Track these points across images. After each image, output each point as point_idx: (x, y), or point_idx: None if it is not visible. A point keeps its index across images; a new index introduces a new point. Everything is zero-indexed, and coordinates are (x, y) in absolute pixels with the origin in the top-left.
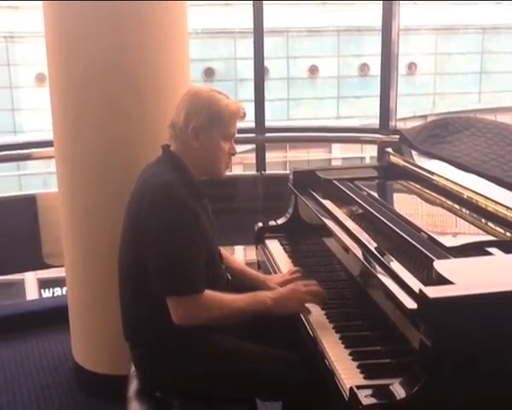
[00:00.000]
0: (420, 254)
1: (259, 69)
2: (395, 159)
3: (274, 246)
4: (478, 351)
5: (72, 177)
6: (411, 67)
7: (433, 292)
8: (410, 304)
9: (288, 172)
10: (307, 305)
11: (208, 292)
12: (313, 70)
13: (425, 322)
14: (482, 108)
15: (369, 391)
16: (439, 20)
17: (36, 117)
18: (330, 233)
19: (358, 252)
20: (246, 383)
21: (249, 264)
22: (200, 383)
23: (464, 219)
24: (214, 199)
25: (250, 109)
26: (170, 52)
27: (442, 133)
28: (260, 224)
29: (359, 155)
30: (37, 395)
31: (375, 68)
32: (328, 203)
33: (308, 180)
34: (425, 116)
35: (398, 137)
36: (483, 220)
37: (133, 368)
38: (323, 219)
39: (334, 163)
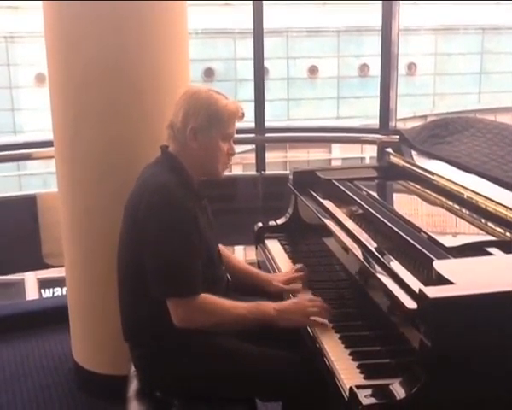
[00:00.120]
0: (420, 254)
1: (259, 69)
2: (395, 159)
3: (274, 246)
4: (478, 351)
5: (72, 177)
6: (411, 67)
7: (432, 292)
8: (410, 304)
9: (287, 172)
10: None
11: (209, 296)
12: (313, 70)
13: (425, 322)
14: (482, 108)
15: (369, 391)
16: (438, 20)
17: (36, 117)
18: (330, 233)
19: (358, 252)
20: (246, 383)
21: (249, 264)
22: (200, 384)
23: (464, 219)
24: (214, 199)
25: (250, 110)
26: (170, 52)
27: (442, 133)
28: (260, 224)
29: (359, 156)
30: (37, 394)
31: (375, 69)
32: (327, 203)
33: (308, 180)
34: (425, 116)
35: (397, 137)
36: (483, 220)
37: (133, 368)
38: (323, 219)
39: (334, 163)
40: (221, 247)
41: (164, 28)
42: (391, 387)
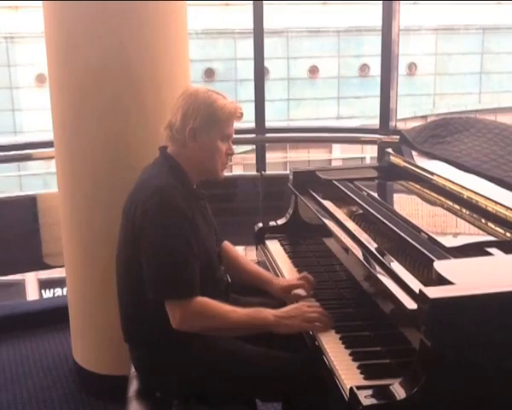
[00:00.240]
0: (420, 254)
1: (259, 69)
2: (395, 159)
3: (274, 246)
4: (478, 351)
5: (73, 177)
6: (411, 67)
7: (433, 292)
8: (410, 304)
9: (288, 172)
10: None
11: (208, 301)
12: (313, 70)
13: (425, 322)
14: (482, 108)
15: (370, 391)
16: (439, 20)
17: (36, 117)
18: (330, 233)
19: (358, 252)
20: (246, 383)
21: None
22: (200, 384)
23: (464, 219)
24: (214, 199)
25: (250, 110)
26: (170, 52)
27: (442, 134)
28: (260, 224)
29: (359, 156)
30: (38, 395)
31: (376, 69)
32: (328, 204)
33: (308, 180)
34: (425, 116)
35: (398, 137)
36: (483, 221)
37: (133, 368)
38: (323, 219)
39: (335, 163)
40: (230, 245)
41: (164, 28)
42: (391, 387)
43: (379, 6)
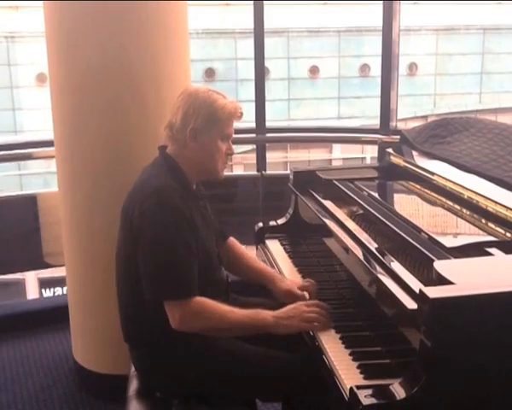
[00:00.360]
0: (420, 254)
1: (260, 69)
2: (395, 159)
3: (274, 246)
4: (478, 351)
5: (73, 176)
6: (412, 67)
7: (433, 292)
8: (411, 304)
9: (288, 172)
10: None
11: (208, 301)
12: (314, 70)
13: (425, 322)
14: (483, 108)
15: (369, 391)
16: (439, 20)
17: (36, 117)
18: (331, 233)
19: (359, 252)
20: (246, 383)
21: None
22: (200, 384)
23: (464, 219)
24: (215, 199)
25: (251, 110)
26: (170, 52)
27: (442, 134)
28: (261, 224)
29: (360, 156)
30: (38, 394)
31: (376, 69)
32: (328, 203)
33: (308, 180)
34: (425, 117)
35: (398, 137)
36: (483, 221)
37: (133, 368)
38: (324, 219)
39: (335, 163)
40: (235, 242)
41: (164, 28)
42: (391, 387)
43: (379, 6)
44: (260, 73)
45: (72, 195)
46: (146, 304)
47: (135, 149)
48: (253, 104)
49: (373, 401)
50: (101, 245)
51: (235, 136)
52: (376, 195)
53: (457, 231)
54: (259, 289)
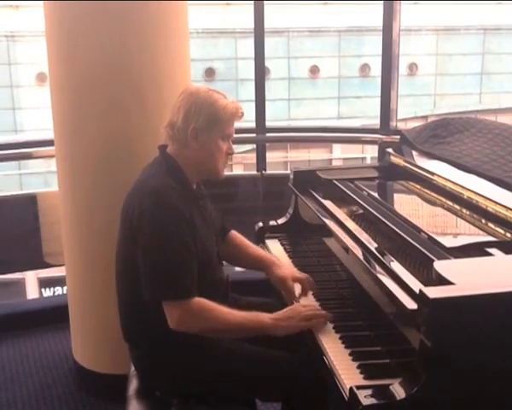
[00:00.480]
0: (420, 254)
1: (260, 69)
2: (396, 159)
3: (274, 246)
4: (478, 351)
5: (73, 176)
6: (412, 67)
7: (433, 292)
8: (411, 304)
9: (288, 172)
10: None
11: (206, 302)
12: (314, 70)
13: (425, 322)
14: (483, 108)
15: (369, 391)
16: (439, 20)
17: (36, 116)
18: (331, 233)
19: (359, 252)
20: (246, 383)
21: None
22: (200, 384)
23: (464, 219)
24: (215, 198)
25: (251, 109)
26: (170, 52)
27: (442, 134)
28: (261, 224)
29: (360, 156)
30: (37, 393)
31: (376, 69)
32: (328, 203)
33: (309, 180)
34: (426, 117)
35: (398, 137)
36: (483, 221)
37: (133, 368)
38: (324, 219)
39: (335, 163)
40: (235, 234)
41: (165, 28)
42: (391, 387)
43: (380, 6)
44: (260, 73)
45: (72, 194)
46: (146, 304)
47: (135, 148)
48: (253, 104)
49: (373, 401)
50: (101, 245)
51: (235, 135)
52: (376, 195)
53: (457, 231)
54: (259, 289)
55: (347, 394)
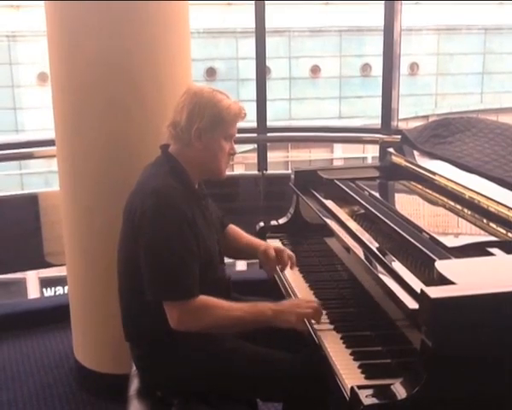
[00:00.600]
0: (421, 254)
1: (261, 69)
2: (397, 159)
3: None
4: (479, 351)
5: (74, 176)
6: (413, 67)
7: (434, 292)
8: (412, 304)
9: (289, 171)
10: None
11: (206, 298)
12: (315, 70)
13: (426, 322)
14: (484, 108)
15: (370, 391)
16: (441, 20)
17: (38, 116)
18: (332, 233)
19: (360, 252)
20: (246, 383)
21: (251, 264)
22: (201, 383)
23: (466, 219)
24: (216, 198)
25: (252, 109)
26: (171, 52)
27: (444, 133)
28: (262, 223)
29: (361, 155)
30: (38, 393)
31: (377, 68)
32: (329, 203)
33: (310, 180)
34: (427, 116)
35: (399, 137)
36: (485, 221)
37: (134, 367)
38: (325, 218)
39: (336, 163)
40: (233, 227)
41: (166, 28)
42: (392, 387)
43: (381, 6)
44: (261, 73)
45: (73, 194)
46: (147, 303)
47: (136, 148)
48: (254, 104)
49: (374, 400)
50: (102, 244)
51: (236, 135)
52: (377, 194)
53: (459, 231)
54: (260, 289)
55: (348, 393)
